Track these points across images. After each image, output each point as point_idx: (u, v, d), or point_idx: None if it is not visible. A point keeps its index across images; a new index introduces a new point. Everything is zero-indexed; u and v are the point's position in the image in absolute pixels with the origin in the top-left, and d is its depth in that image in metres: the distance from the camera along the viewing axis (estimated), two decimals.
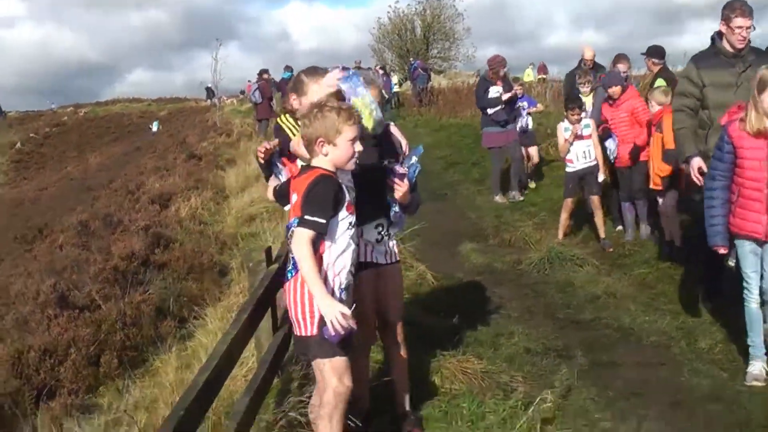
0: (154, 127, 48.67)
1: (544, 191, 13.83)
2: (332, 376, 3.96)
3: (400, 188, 4.43)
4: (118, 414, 6.37)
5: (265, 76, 25.36)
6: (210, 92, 45.59)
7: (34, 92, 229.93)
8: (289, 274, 4.06)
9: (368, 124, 4.25)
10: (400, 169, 4.44)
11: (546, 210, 12.11)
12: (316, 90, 4.54)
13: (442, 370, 5.78)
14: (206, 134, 29.18)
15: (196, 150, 24.32)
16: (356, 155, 4.04)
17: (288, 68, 26.92)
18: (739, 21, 6.64)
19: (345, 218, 4.03)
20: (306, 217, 3.87)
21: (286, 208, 4.38)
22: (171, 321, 8.53)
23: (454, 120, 24.79)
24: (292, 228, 3.97)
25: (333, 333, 3.77)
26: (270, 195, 4.82)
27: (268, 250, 5.68)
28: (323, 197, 3.90)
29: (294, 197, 4.06)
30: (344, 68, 4.42)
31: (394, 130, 4.86)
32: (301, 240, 3.86)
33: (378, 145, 4.60)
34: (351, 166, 4.06)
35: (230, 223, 13.80)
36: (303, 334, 4.02)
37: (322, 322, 3.86)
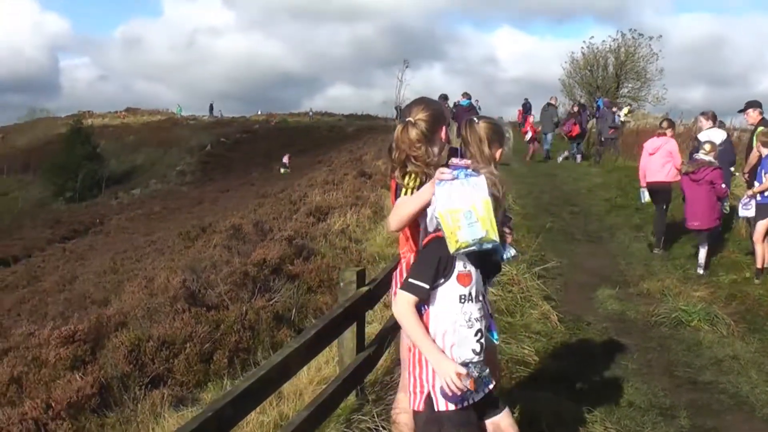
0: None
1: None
2: None
3: (510, 235, 4.34)
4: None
5: (445, 102, 25.35)
6: (399, 112, 46.34)
7: (236, 99, 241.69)
8: None
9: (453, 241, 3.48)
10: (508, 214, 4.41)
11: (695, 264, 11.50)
12: None
13: (532, 409, 5.63)
14: (382, 153, 29.54)
15: (368, 168, 24.64)
16: None
17: (466, 95, 27.02)
18: None
19: (454, 289, 3.59)
20: (409, 279, 3.58)
21: None
22: (287, 330, 8.68)
23: (631, 162, 24.04)
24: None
25: (450, 394, 3.48)
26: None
27: (361, 272, 5.71)
28: (428, 261, 3.58)
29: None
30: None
31: None
32: (402, 303, 3.57)
33: None
34: None
35: (378, 242, 13.83)
36: (413, 407, 3.71)
37: (429, 398, 3.58)
